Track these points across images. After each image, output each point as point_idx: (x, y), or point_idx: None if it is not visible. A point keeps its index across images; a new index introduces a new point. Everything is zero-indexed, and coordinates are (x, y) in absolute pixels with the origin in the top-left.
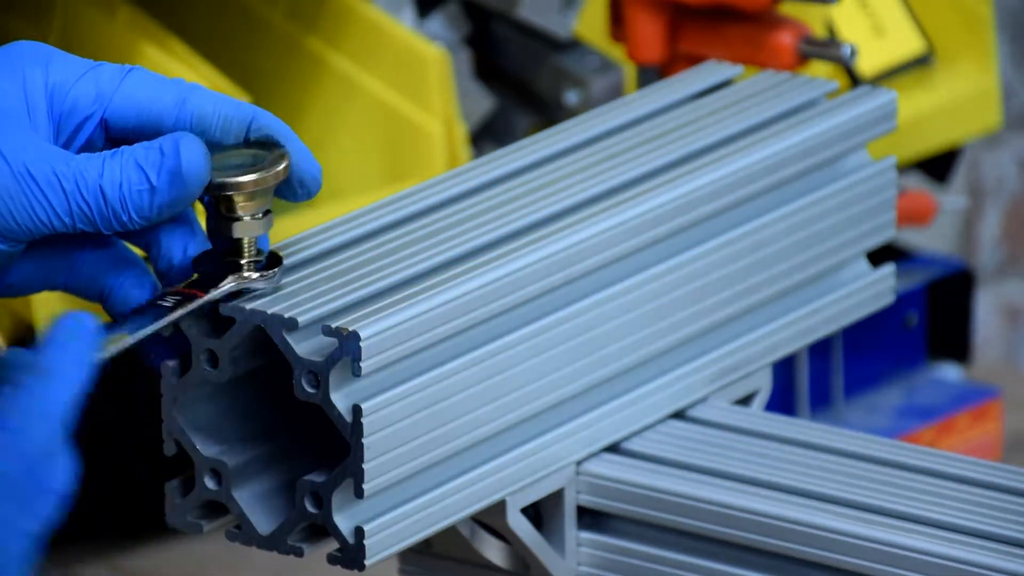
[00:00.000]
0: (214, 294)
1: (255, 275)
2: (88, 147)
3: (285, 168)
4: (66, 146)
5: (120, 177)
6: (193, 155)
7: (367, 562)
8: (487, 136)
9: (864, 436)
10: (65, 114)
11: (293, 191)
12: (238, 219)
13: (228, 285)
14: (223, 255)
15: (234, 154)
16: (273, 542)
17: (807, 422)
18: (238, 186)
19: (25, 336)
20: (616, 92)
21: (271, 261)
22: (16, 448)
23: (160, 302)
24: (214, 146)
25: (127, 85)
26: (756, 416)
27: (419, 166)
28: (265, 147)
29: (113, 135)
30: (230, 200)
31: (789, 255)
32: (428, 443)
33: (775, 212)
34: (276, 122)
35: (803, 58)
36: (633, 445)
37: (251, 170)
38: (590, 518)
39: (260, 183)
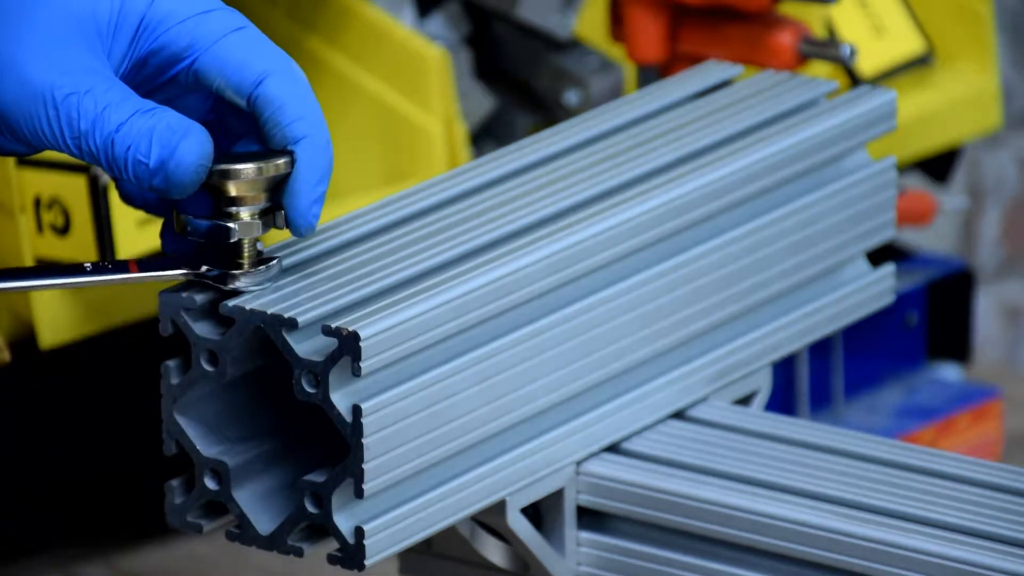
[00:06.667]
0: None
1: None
2: (172, 84)
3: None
4: (147, 77)
5: (133, 140)
6: (186, 155)
7: (367, 562)
8: (487, 136)
9: (864, 436)
10: (152, 51)
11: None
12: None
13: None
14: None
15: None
16: (273, 542)
17: (807, 422)
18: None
19: (25, 336)
20: (616, 92)
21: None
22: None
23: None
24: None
25: (223, 46)
26: (756, 416)
27: (419, 166)
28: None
29: (202, 84)
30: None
31: (789, 255)
32: (428, 443)
33: (775, 212)
34: (317, 147)
35: (803, 58)
36: (633, 445)
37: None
38: (590, 518)
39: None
